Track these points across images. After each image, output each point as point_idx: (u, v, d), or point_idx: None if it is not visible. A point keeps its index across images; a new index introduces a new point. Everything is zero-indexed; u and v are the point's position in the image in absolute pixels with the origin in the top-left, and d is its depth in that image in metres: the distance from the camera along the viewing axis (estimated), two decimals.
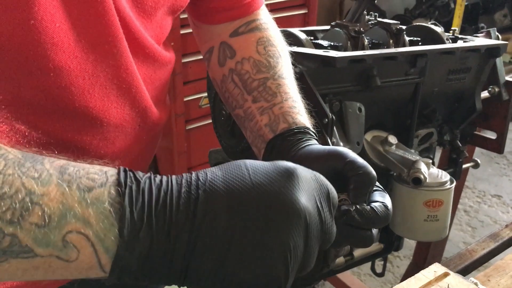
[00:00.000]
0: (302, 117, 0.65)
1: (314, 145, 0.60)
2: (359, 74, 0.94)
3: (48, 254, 0.36)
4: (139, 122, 0.64)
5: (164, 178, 0.41)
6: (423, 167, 0.93)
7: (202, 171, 0.42)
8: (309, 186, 0.43)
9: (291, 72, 0.72)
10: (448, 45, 1.06)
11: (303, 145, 0.60)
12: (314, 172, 0.46)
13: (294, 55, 0.87)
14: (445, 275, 0.69)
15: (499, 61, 1.19)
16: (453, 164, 1.29)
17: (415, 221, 0.96)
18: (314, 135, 0.63)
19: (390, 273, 2.31)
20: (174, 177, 0.41)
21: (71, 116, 0.55)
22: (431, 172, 0.97)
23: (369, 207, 0.49)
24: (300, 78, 0.83)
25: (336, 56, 0.85)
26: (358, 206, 0.49)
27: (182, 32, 2.04)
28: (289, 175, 0.42)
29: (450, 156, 1.28)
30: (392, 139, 1.03)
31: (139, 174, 0.41)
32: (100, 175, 0.39)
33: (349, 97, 0.93)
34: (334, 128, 0.89)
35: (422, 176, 0.91)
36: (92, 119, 0.57)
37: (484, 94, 1.22)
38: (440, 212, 0.95)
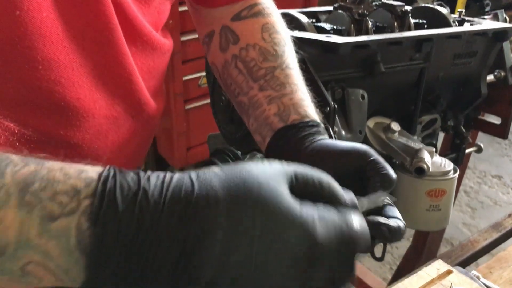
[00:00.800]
0: (313, 111, 0.64)
1: (329, 139, 0.58)
2: (362, 60, 0.91)
3: (7, 279, 0.34)
4: (133, 114, 0.61)
5: (154, 198, 0.33)
6: (426, 156, 0.91)
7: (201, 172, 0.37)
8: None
9: (296, 62, 0.70)
10: (455, 29, 1.02)
11: (317, 139, 0.58)
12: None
13: (295, 40, 0.84)
14: (448, 272, 0.67)
15: (506, 44, 1.16)
16: (456, 149, 1.27)
17: (417, 210, 0.94)
18: (325, 130, 0.62)
19: (388, 254, 2.32)
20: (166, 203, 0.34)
21: (62, 111, 0.52)
22: (434, 161, 0.94)
23: (396, 223, 0.47)
24: (302, 65, 0.80)
25: (339, 42, 0.82)
26: (389, 223, 0.46)
27: (180, 9, 2.00)
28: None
29: (453, 141, 1.26)
30: (395, 126, 1.01)
31: (124, 189, 0.33)
32: (72, 196, 0.33)
33: (352, 84, 0.90)
34: (336, 116, 0.87)
35: (425, 166, 0.88)
36: (84, 112, 0.54)
37: (489, 77, 1.20)
38: (443, 202, 0.93)
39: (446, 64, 1.07)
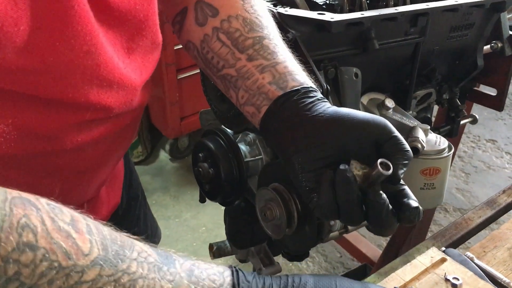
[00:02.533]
0: (307, 78, 0.62)
1: (341, 108, 0.57)
2: (356, 37, 0.88)
3: None
4: (122, 108, 0.59)
5: (268, 280, 0.50)
6: (421, 134, 0.90)
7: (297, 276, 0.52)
8: None
9: (280, 36, 0.68)
10: (451, 2, 0.99)
11: (327, 105, 0.57)
12: None
13: (285, 18, 0.81)
14: (442, 260, 0.67)
15: (503, 15, 1.13)
16: (451, 121, 1.25)
17: (412, 189, 0.92)
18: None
19: None
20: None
21: (42, 104, 0.50)
22: (429, 139, 0.93)
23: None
24: (293, 45, 0.78)
25: (332, 20, 0.79)
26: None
27: None
28: None
29: (447, 114, 1.24)
30: (389, 103, 0.99)
31: (248, 275, 0.50)
32: (219, 276, 0.49)
33: (345, 62, 0.87)
34: (329, 97, 0.85)
35: (419, 145, 0.87)
36: (64, 104, 0.52)
37: (485, 48, 1.17)
38: (437, 180, 0.92)
39: (442, 37, 1.04)
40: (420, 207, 0.53)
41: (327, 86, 0.78)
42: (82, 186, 0.66)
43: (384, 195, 0.51)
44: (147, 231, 1.00)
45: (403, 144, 0.53)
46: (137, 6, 0.56)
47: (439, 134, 1.27)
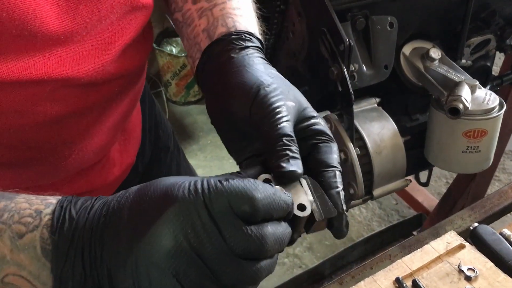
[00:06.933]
0: (246, 20, 0.53)
1: (243, 59, 0.48)
2: None
3: None
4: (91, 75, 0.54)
5: (95, 206, 0.39)
6: (465, 92, 0.79)
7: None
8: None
9: None
10: None
11: (238, 55, 0.48)
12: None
13: None
14: (460, 247, 0.59)
15: None
16: None
17: (452, 152, 0.84)
18: (259, 43, 0.52)
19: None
20: (99, 203, 0.40)
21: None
22: (477, 96, 0.82)
23: None
24: None
25: None
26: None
27: None
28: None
29: None
30: (435, 54, 0.87)
31: (76, 206, 0.40)
32: (35, 216, 0.39)
33: (377, 10, 0.77)
34: (357, 50, 0.75)
35: (461, 106, 0.77)
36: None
37: None
38: (483, 143, 0.82)
39: None
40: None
41: (349, 42, 0.69)
42: (74, 156, 0.63)
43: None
44: None
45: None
46: None
47: (501, 83, 1.13)
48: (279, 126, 0.42)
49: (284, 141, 0.41)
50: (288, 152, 0.41)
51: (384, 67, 0.78)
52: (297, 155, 0.41)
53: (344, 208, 0.42)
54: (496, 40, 0.99)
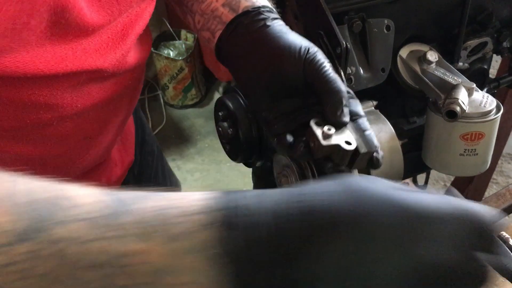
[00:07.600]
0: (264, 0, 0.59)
1: (278, 27, 0.55)
2: None
3: None
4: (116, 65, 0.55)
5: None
6: (462, 95, 0.79)
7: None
8: None
9: None
10: None
11: (273, 23, 0.56)
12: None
13: None
14: None
15: None
16: None
17: (450, 155, 0.84)
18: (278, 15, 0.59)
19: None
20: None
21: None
22: (474, 99, 0.82)
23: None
24: None
25: None
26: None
27: None
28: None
29: (510, 64, 1.09)
30: (432, 56, 0.87)
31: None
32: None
33: (374, 13, 0.77)
34: (354, 53, 0.75)
35: (458, 109, 0.77)
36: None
37: None
38: (480, 146, 0.82)
39: None
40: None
41: (346, 44, 0.69)
42: (91, 152, 0.64)
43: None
44: (167, 183, 0.99)
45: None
46: None
47: (498, 86, 1.13)
48: (337, 82, 0.53)
49: (342, 95, 0.52)
50: (344, 105, 0.52)
51: (381, 70, 0.78)
52: (348, 108, 0.53)
53: (378, 145, 0.54)
54: (493, 43, 0.99)
